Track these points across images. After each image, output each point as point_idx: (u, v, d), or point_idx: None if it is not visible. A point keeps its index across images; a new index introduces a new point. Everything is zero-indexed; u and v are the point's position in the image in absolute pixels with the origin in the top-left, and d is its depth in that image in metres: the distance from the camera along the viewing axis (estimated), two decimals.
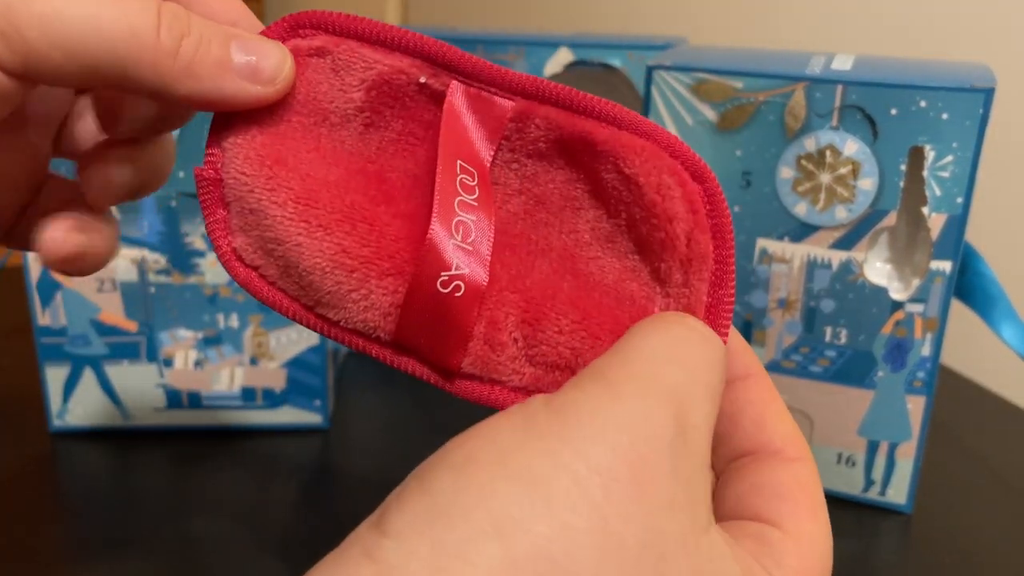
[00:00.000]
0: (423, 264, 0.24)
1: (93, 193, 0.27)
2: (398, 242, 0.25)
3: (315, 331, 0.26)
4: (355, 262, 0.24)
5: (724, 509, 0.24)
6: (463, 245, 0.24)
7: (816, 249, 0.44)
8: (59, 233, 0.27)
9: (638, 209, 0.24)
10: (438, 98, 0.26)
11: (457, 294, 0.24)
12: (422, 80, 0.25)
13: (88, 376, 0.49)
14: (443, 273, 0.24)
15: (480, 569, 0.18)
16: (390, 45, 0.25)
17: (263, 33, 0.25)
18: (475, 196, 0.25)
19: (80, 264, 0.27)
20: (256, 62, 0.24)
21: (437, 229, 0.24)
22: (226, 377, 0.50)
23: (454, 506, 0.18)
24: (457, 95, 0.25)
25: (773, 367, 0.46)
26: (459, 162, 0.25)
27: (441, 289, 0.24)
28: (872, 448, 0.46)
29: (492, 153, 0.26)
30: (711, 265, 0.24)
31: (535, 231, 0.26)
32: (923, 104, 0.40)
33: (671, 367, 0.21)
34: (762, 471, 0.23)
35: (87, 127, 0.30)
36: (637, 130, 0.24)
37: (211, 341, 0.49)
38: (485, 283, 0.24)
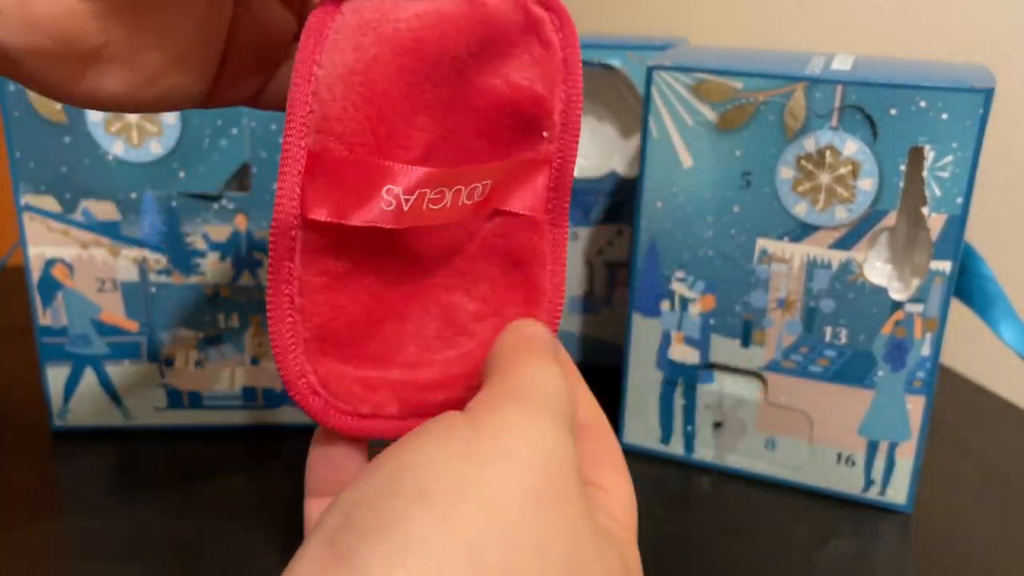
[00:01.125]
0: None
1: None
2: None
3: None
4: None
5: None
6: None
7: (816, 249, 0.44)
8: None
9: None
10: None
11: None
12: None
13: (89, 376, 0.50)
14: None
15: None
16: None
17: None
18: None
19: None
20: None
21: None
22: (227, 377, 0.50)
23: (424, 542, 0.20)
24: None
25: (773, 367, 0.46)
26: None
27: None
28: (872, 448, 0.46)
29: None
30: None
31: None
32: (923, 104, 0.40)
33: (553, 387, 0.25)
34: (582, 444, 0.27)
35: None
36: None
37: (212, 341, 0.50)
38: None
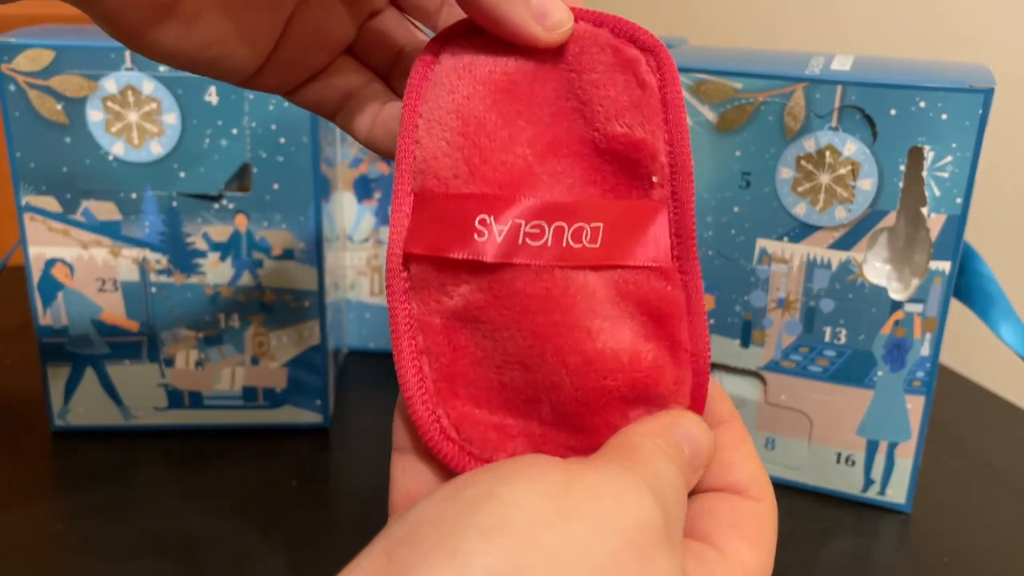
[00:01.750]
0: None
1: None
2: None
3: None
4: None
5: None
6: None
7: (815, 249, 0.44)
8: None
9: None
10: None
11: None
12: None
13: (90, 376, 0.50)
14: None
15: None
16: None
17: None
18: None
19: None
20: (547, 8, 0.26)
21: None
22: (227, 377, 0.50)
23: None
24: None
25: (772, 367, 0.46)
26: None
27: None
28: (871, 448, 0.46)
29: None
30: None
31: None
32: (922, 104, 0.40)
33: (665, 472, 0.24)
34: (722, 501, 0.26)
35: None
36: None
37: (212, 341, 0.50)
38: None
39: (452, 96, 0.26)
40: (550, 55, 0.27)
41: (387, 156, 0.30)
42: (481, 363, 0.27)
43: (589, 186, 0.27)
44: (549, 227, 0.26)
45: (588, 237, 0.26)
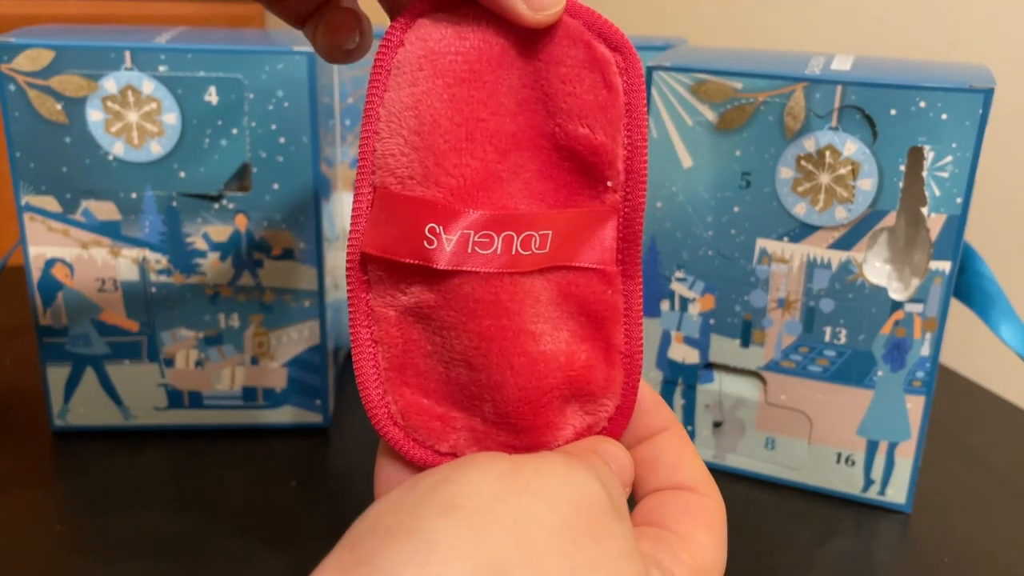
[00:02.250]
0: None
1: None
2: None
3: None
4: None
5: (632, 521, 0.26)
6: None
7: (815, 249, 0.44)
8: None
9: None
10: None
11: None
12: None
13: (89, 376, 0.50)
14: None
15: None
16: None
17: None
18: None
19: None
20: None
21: None
22: (227, 377, 0.50)
23: (450, 550, 0.20)
24: None
25: (772, 367, 0.46)
26: None
27: None
28: (871, 448, 0.46)
29: None
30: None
31: None
32: (922, 104, 0.40)
33: (608, 473, 0.25)
34: (674, 496, 0.27)
35: None
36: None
37: (212, 341, 0.50)
38: None
39: (412, 90, 0.26)
40: (520, 39, 0.27)
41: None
42: (431, 356, 0.28)
43: (545, 180, 0.28)
44: (498, 236, 0.26)
45: (537, 244, 0.27)
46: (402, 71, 0.27)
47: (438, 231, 0.26)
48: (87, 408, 0.50)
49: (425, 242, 0.26)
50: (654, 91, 0.45)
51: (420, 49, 0.27)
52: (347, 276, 0.28)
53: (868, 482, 0.47)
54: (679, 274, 0.47)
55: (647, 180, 0.28)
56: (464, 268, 0.26)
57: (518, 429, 0.27)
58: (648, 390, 0.29)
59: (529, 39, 0.27)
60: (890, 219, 0.42)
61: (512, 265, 0.26)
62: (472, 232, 0.26)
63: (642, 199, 0.28)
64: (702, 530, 0.26)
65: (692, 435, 0.49)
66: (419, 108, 0.26)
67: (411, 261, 0.26)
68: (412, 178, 0.26)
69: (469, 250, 0.26)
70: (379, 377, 0.28)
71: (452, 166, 0.26)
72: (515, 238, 0.26)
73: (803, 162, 0.43)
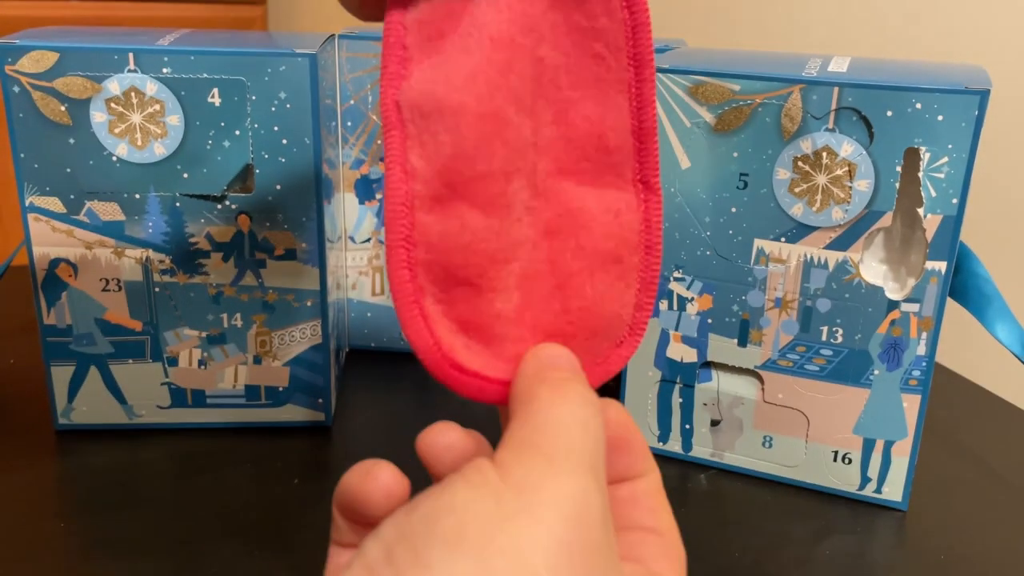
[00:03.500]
0: None
1: None
2: None
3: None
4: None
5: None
6: None
7: (812, 249, 0.44)
8: None
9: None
10: None
11: None
12: None
13: (93, 375, 0.50)
14: None
15: None
16: None
17: None
18: None
19: None
20: None
21: None
22: (230, 376, 0.51)
23: None
24: None
25: (770, 366, 0.47)
26: None
27: None
28: (868, 446, 0.46)
29: None
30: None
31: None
32: (919, 106, 0.41)
33: (575, 427, 0.25)
34: (652, 536, 0.29)
35: None
36: None
37: (215, 340, 0.50)
38: None
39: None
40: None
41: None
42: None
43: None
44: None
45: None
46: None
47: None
48: (91, 407, 0.51)
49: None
50: None
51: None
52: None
53: (865, 480, 0.47)
54: (677, 274, 0.47)
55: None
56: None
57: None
58: (637, 434, 0.30)
59: None
60: (886, 220, 0.43)
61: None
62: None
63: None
64: (676, 573, 0.28)
65: (690, 433, 0.50)
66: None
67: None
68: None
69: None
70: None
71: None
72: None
73: (800, 163, 0.43)
